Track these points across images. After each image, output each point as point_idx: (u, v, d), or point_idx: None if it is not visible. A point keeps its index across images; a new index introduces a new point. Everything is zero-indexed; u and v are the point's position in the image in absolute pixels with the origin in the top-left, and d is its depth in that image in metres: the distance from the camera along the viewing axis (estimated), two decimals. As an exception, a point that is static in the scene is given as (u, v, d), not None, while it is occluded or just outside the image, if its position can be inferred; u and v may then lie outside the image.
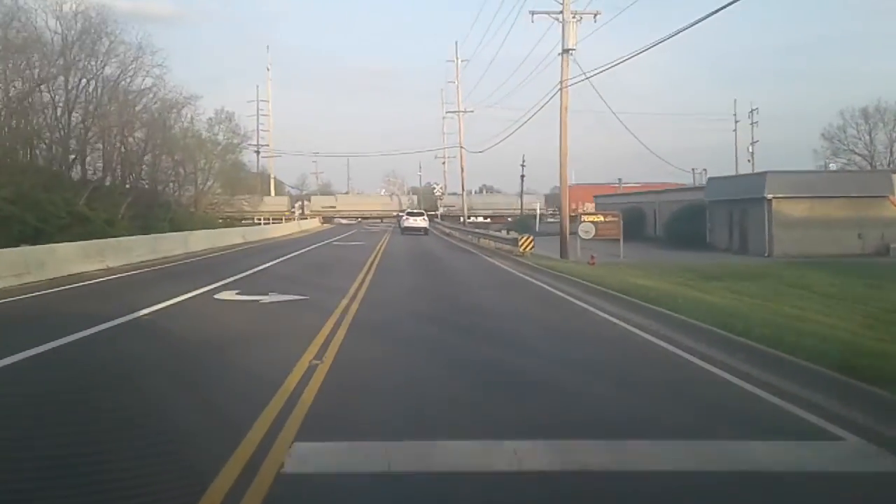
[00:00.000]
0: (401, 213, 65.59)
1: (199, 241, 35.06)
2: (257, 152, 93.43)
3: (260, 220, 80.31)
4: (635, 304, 13.59)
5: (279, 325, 12.12)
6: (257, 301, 14.79)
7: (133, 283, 18.89)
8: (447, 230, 61.19)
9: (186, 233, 35.25)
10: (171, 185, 61.76)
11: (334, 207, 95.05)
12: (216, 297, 15.48)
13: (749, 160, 75.29)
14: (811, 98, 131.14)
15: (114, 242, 26.78)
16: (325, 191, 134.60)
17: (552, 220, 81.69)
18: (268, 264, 24.85)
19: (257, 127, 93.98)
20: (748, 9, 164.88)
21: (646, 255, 33.93)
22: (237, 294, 15.87)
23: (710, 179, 46.98)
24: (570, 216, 33.24)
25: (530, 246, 28.60)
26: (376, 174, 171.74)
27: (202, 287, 16.82)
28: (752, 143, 76.26)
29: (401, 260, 28.69)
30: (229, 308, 14.20)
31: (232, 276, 20.11)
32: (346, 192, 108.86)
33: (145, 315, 12.44)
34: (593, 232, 32.10)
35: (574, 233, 32.73)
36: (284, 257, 28.80)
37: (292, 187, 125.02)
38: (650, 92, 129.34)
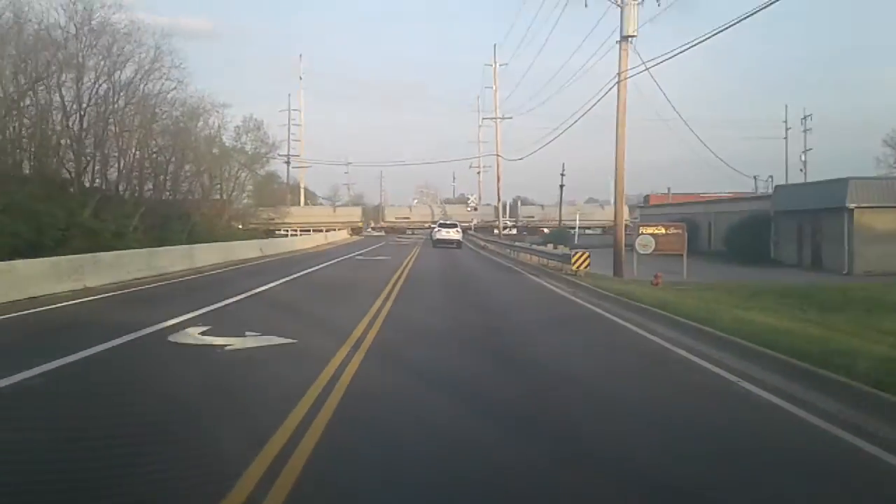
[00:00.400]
0: (432, 225, 61.11)
1: (206, 254, 30.95)
2: (287, 162, 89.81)
3: (288, 231, 76.82)
4: (799, 369, 8.46)
5: (230, 396, 7.65)
6: (223, 347, 10.39)
7: (82, 313, 14.62)
8: (482, 243, 56.59)
9: (189, 246, 31.05)
10: (193, 195, 58.22)
11: (408, 218, 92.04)
12: (171, 337, 11.12)
13: (801, 169, 69.76)
14: (864, 105, 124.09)
15: (98, 257, 22.63)
16: (357, 202, 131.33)
17: (590, 231, 76.80)
18: (270, 285, 20.56)
19: (288, 136, 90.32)
20: (792, 12, 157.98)
21: (711, 273, 29.09)
22: (203, 333, 11.49)
23: (779, 188, 41.82)
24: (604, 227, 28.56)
25: (585, 263, 23.87)
26: (409, 186, 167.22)
27: (166, 320, 12.53)
28: (805, 152, 70.59)
29: (430, 281, 24.20)
30: (177, 359, 9.85)
31: (216, 302, 15.82)
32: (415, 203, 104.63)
33: (22, 381, 8.03)
34: (652, 246, 27.35)
35: (629, 247, 28.06)
36: (293, 276, 24.51)
37: (324, 199, 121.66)
38: (690, 99, 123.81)
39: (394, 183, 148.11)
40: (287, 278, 23.35)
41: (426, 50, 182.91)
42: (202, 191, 62.31)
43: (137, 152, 48.41)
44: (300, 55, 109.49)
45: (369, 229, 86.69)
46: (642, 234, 27.32)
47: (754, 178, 67.80)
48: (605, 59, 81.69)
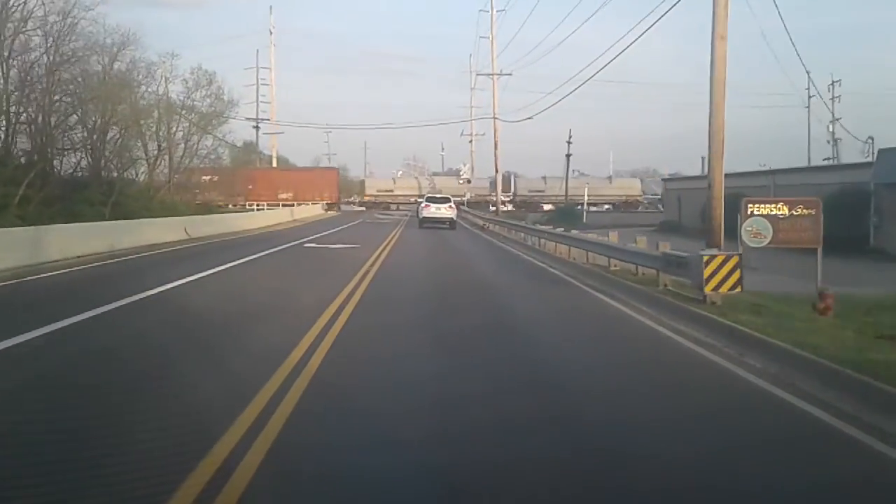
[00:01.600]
0: (419, 200, 49.60)
1: (74, 240, 19.57)
2: (256, 127, 77.90)
3: (255, 206, 65.08)
4: None
5: None
6: None
7: None
8: (480, 221, 45.28)
9: (44, 228, 19.62)
10: (116, 162, 46.46)
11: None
12: None
13: (829, 141, 58.84)
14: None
15: None
16: (343, 175, 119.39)
17: (594, 208, 65.44)
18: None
19: (257, 97, 78.48)
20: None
21: (808, 272, 17.83)
22: None
23: (885, 153, 30.43)
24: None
25: (733, 279, 12.57)
26: (396, 159, 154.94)
27: None
28: (833, 122, 59.22)
29: (407, 301, 13.51)
30: None
31: None
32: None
33: None
34: (769, 236, 16.14)
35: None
36: (184, 280, 13.25)
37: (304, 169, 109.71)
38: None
39: (379, 155, 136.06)
40: (173, 284, 12.08)
41: (414, 20, 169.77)
42: (147, 159, 50.87)
43: (42, 113, 37.18)
44: (270, 6, 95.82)
45: (349, 204, 74.83)
46: (753, 214, 16.11)
47: (831, 140, 56.62)
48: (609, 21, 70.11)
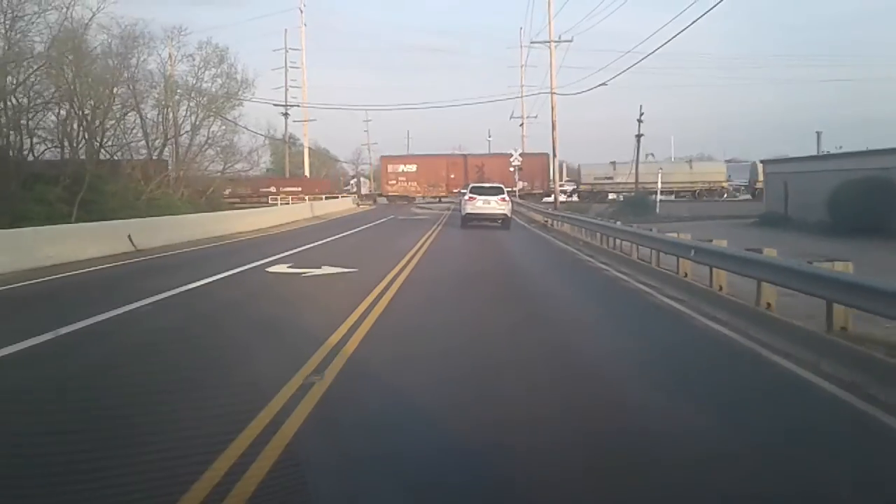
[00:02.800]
0: (462, 191, 39.58)
1: None
2: (285, 114, 68.79)
3: (278, 200, 56.21)
4: None
5: None
6: None
7: None
8: (539, 217, 35.15)
9: None
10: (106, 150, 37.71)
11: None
12: None
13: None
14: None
15: None
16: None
17: (662, 197, 54.43)
18: None
19: (286, 80, 69.22)
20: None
21: None
22: None
23: None
24: None
25: None
26: (440, 148, 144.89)
27: None
28: None
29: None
30: None
31: None
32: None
33: None
34: None
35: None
36: None
37: (345, 162, 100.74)
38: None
39: (423, 144, 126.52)
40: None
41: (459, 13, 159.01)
42: (149, 149, 42.13)
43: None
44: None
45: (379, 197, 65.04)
46: None
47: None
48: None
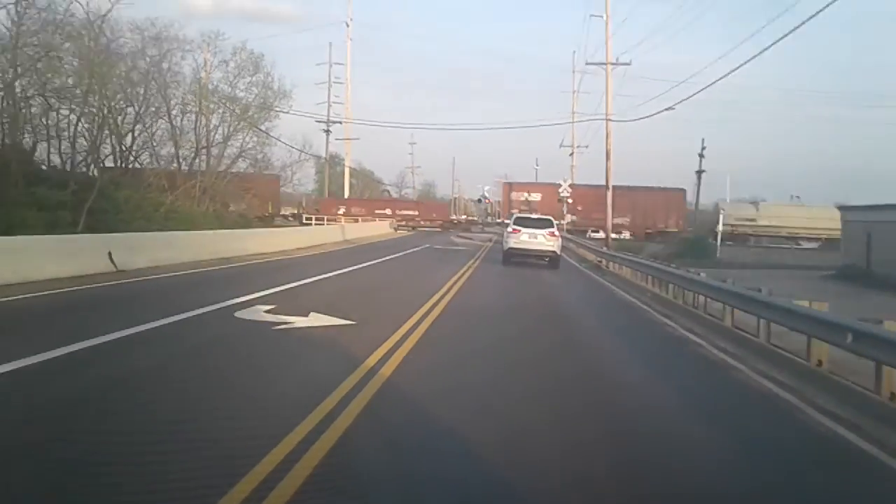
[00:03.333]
0: (506, 221, 35.72)
1: None
2: (327, 131, 66.04)
3: (314, 220, 53.22)
4: None
5: None
6: None
7: None
8: (591, 255, 31.11)
9: None
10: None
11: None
12: None
13: None
14: None
15: None
16: (430, 192, 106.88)
17: (731, 241, 49.72)
18: None
19: (328, 96, 66.59)
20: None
21: None
22: None
23: None
24: None
25: None
26: (485, 177, 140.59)
27: None
28: None
29: None
30: None
31: None
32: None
33: None
34: None
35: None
36: None
37: (390, 185, 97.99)
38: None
39: (468, 172, 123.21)
40: None
41: (509, 38, 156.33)
42: (178, 157, 39.61)
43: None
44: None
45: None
46: None
47: None
48: None
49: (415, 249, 31.64)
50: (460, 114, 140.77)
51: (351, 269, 19.95)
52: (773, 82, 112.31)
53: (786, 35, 18.16)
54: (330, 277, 17.16)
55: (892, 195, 53.34)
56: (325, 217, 54.62)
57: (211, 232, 25.76)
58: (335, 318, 10.05)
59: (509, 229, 25.12)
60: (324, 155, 67.25)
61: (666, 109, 31.67)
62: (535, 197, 55.93)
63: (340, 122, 65.74)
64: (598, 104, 42.89)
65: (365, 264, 21.68)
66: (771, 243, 54.39)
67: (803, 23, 21.64)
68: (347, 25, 66.63)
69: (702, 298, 13.74)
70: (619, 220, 55.10)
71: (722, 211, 48.45)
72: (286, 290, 13.65)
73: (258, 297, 11.99)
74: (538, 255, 24.49)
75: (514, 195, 57.36)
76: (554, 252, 24.38)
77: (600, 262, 27.58)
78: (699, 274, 14.63)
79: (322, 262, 22.07)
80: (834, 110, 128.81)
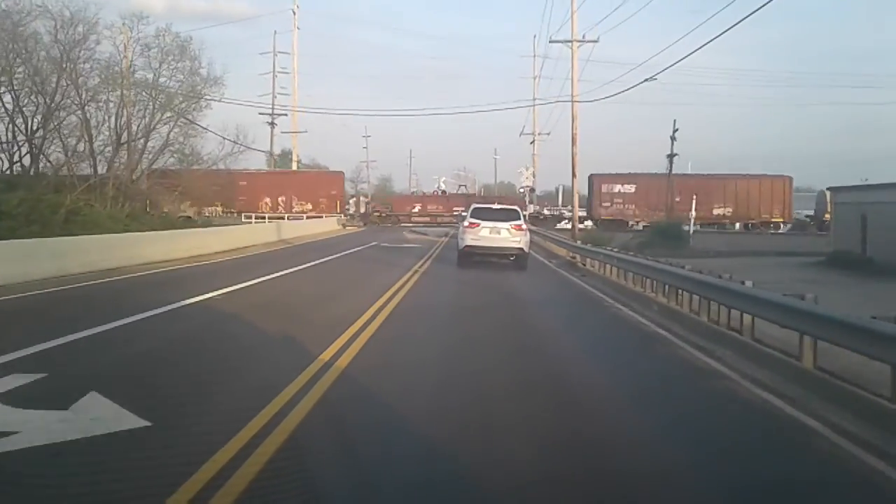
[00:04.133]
0: (462, 212, 30.98)
1: None
2: (271, 123, 60.55)
3: (254, 217, 47.84)
4: None
5: None
6: None
7: None
8: (561, 250, 26.67)
9: None
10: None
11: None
12: None
13: None
14: None
15: None
16: (386, 186, 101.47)
17: (699, 226, 45.88)
18: None
19: (273, 89, 61.12)
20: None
21: None
22: None
23: None
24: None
25: None
26: (443, 169, 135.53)
27: None
28: None
29: None
30: None
31: None
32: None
33: None
34: None
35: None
36: None
37: (347, 180, 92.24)
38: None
39: (425, 165, 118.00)
40: None
41: (466, 25, 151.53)
42: (91, 152, 34.21)
43: None
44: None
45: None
46: None
47: None
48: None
49: (354, 250, 26.65)
50: (415, 103, 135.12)
51: (253, 282, 14.91)
52: (721, 63, 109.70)
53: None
54: (213, 298, 12.23)
55: (847, 178, 50.23)
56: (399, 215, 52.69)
57: (98, 237, 20.55)
58: (118, 418, 5.15)
59: (465, 223, 20.23)
60: (268, 149, 61.74)
61: (646, 80, 27.00)
62: (629, 189, 51.04)
63: (286, 115, 60.41)
64: (563, 86, 38.51)
65: (274, 275, 16.66)
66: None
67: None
68: (294, 13, 61.21)
69: (732, 312, 9.37)
70: (719, 211, 51.07)
71: (695, 196, 44.58)
72: (111, 330, 8.79)
73: (35, 354, 7.13)
74: (501, 254, 19.84)
75: (604, 187, 52.01)
76: (521, 249, 19.64)
77: (574, 257, 23.04)
78: (710, 275, 10.31)
79: (228, 272, 17.14)
80: (783, 91, 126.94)
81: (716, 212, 50.37)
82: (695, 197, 43.67)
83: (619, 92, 50.75)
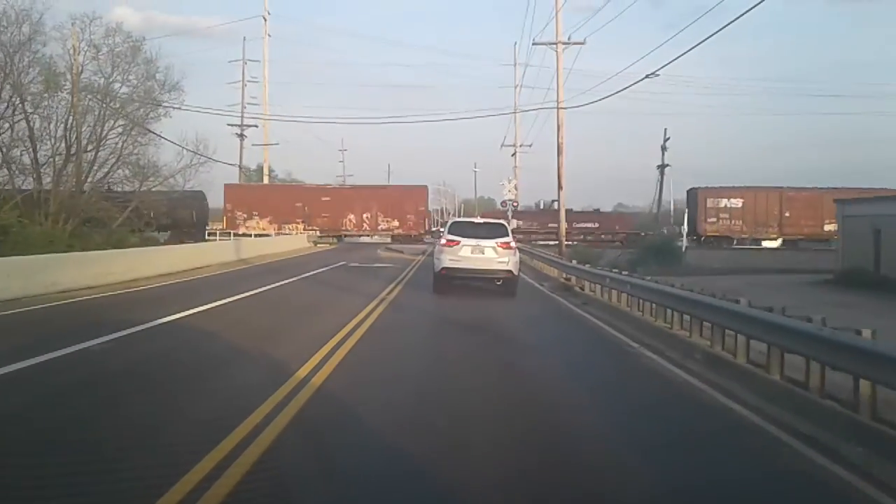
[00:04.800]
0: (440, 230, 27.86)
1: None
2: (240, 135, 57.04)
3: (231, 234, 44.36)
4: None
5: None
6: None
7: None
8: (553, 271, 23.62)
9: None
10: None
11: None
12: None
13: None
14: None
15: None
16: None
17: (690, 242, 43.05)
18: None
19: (242, 98, 57.66)
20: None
21: None
22: None
23: None
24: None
25: None
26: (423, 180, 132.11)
27: None
28: None
29: None
30: None
31: None
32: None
33: None
34: None
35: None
36: None
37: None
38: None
39: (404, 180, 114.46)
40: None
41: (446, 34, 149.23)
42: (36, 161, 30.75)
43: None
44: None
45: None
46: None
47: None
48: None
49: (317, 272, 23.29)
50: (392, 114, 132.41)
51: (156, 322, 11.47)
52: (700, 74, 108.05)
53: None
54: (89, 349, 8.88)
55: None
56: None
57: (12, 259, 17.05)
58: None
59: (442, 241, 17.06)
60: (238, 162, 58.18)
61: (648, 76, 24.01)
62: (736, 203, 47.36)
63: (256, 126, 57.00)
64: (546, 95, 35.67)
65: (217, 303, 13.40)
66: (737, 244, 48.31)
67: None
68: (265, 20, 57.94)
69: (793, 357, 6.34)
70: (831, 227, 42.01)
71: (686, 209, 41.88)
72: None
73: None
74: (486, 277, 16.70)
75: (710, 202, 47.36)
76: (509, 272, 16.34)
77: (568, 279, 19.89)
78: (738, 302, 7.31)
79: (148, 303, 13.79)
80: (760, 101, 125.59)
81: (827, 227, 44.38)
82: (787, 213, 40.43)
83: (619, 91, 47.88)
